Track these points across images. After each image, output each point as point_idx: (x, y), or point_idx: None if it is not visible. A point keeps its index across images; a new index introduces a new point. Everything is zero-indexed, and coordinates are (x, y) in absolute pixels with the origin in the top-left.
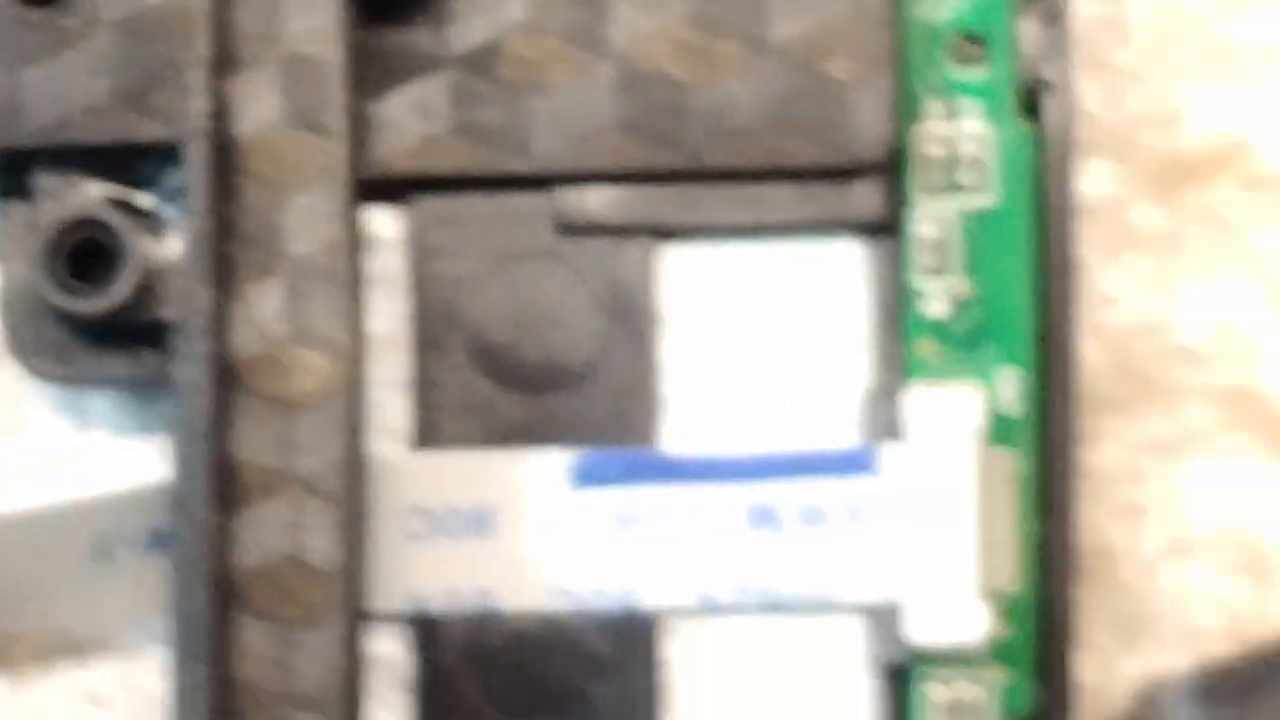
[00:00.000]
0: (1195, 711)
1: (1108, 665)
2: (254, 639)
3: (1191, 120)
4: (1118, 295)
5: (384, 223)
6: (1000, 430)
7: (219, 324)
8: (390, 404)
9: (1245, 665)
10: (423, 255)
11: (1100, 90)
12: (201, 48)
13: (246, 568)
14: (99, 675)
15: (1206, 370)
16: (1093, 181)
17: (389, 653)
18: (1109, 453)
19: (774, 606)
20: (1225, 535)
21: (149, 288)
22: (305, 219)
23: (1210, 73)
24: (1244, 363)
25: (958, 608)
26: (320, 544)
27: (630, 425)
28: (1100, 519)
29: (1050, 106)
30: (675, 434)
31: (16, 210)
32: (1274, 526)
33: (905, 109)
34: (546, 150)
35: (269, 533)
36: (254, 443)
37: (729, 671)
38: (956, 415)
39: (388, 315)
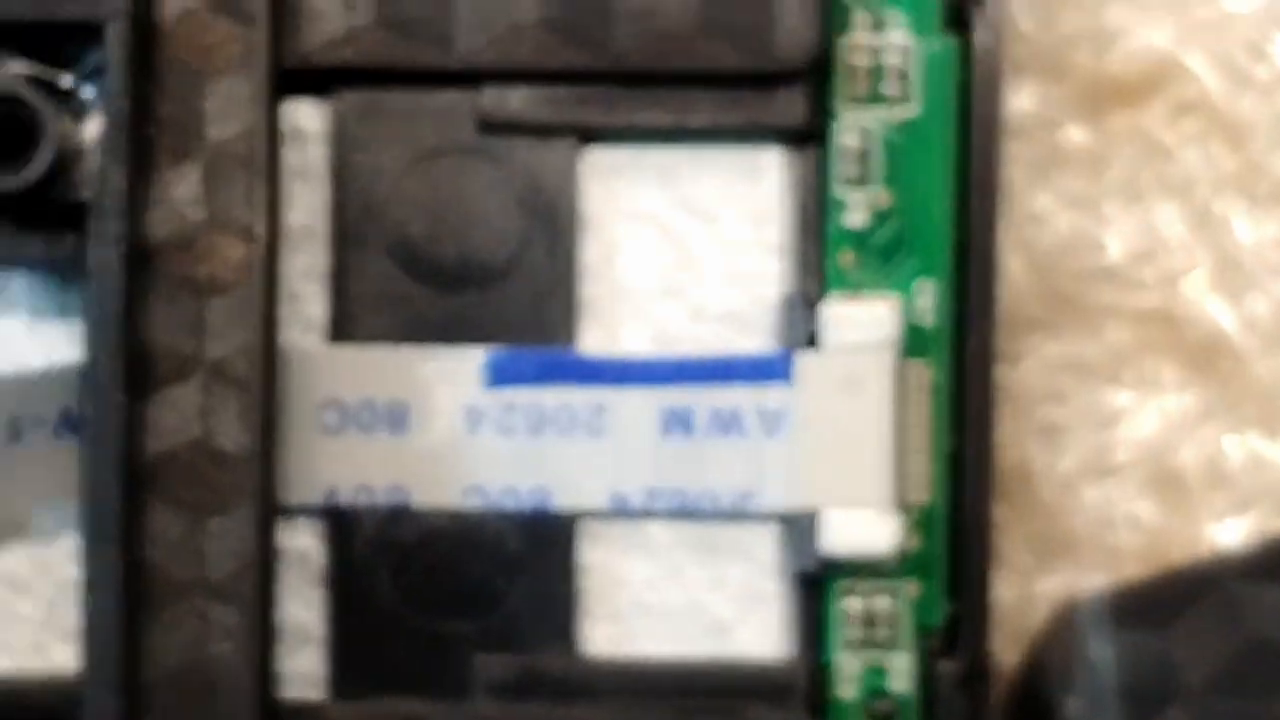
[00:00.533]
0: (1109, 632)
1: (1025, 584)
2: (164, 524)
3: (1123, 41)
4: (1044, 214)
5: (308, 115)
6: (916, 342)
7: (134, 206)
8: (308, 295)
9: (1160, 587)
10: (344, 148)
11: (1032, 8)
12: None
13: (157, 452)
14: (14, 560)
15: (1130, 292)
16: (1022, 100)
17: (304, 546)
18: (1030, 371)
19: (686, 512)
20: (1144, 457)
21: (67, 169)
22: (225, 105)
23: None
24: (1167, 285)
25: (870, 518)
26: (230, 429)
27: (548, 326)
28: (1020, 437)
29: (979, 21)
30: (593, 336)
31: None
32: (1192, 449)
33: (832, 17)
34: (470, 46)
35: (179, 417)
36: (166, 327)
37: (644, 575)
38: (873, 325)
39: (308, 208)
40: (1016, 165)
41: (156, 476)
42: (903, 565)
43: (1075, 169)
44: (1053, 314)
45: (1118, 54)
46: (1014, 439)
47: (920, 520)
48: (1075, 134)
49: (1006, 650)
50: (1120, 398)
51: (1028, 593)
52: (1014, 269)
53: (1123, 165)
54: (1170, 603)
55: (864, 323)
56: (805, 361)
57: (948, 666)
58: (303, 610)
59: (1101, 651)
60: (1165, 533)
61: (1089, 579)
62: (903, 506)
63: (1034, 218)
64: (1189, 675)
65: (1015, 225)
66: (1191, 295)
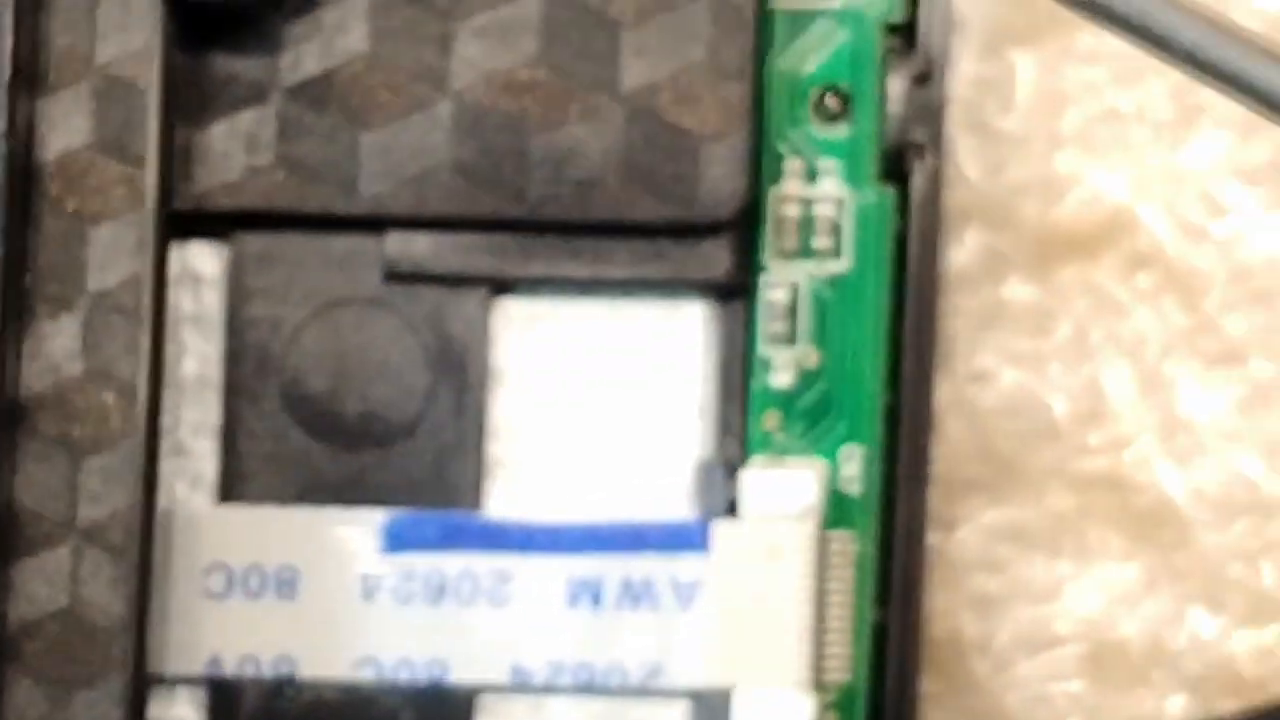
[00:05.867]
0: None
1: None
2: (27, 699)
3: (1074, 191)
4: (986, 373)
5: (204, 259)
6: (841, 510)
7: (6, 361)
8: (199, 451)
9: None
10: (240, 296)
11: (979, 156)
12: (4, 62)
13: (21, 622)
14: None
15: (1073, 456)
16: (965, 251)
17: (183, 717)
18: (967, 539)
19: (592, 688)
20: (1083, 631)
21: None
22: (108, 251)
23: (1096, 143)
24: (1113, 451)
25: (784, 697)
26: (102, 598)
27: (454, 488)
28: (953, 608)
29: (918, 170)
30: (502, 498)
31: None
32: (1133, 623)
33: (765, 167)
34: (376, 191)
35: (47, 585)
36: (38, 489)
37: None
38: (794, 494)
39: (201, 357)
40: (958, 320)
41: (19, 648)
42: None
43: (1020, 325)
44: (992, 477)
45: (1068, 204)
46: (946, 609)
47: (840, 700)
48: (1021, 288)
49: None
50: (1061, 567)
51: None
52: (953, 430)
53: (1070, 322)
54: None
55: (784, 491)
56: (722, 531)
57: None
58: None
59: None
60: (1105, 711)
61: None
62: (821, 685)
63: (975, 376)
64: None
65: (955, 384)
66: (1135, 461)
